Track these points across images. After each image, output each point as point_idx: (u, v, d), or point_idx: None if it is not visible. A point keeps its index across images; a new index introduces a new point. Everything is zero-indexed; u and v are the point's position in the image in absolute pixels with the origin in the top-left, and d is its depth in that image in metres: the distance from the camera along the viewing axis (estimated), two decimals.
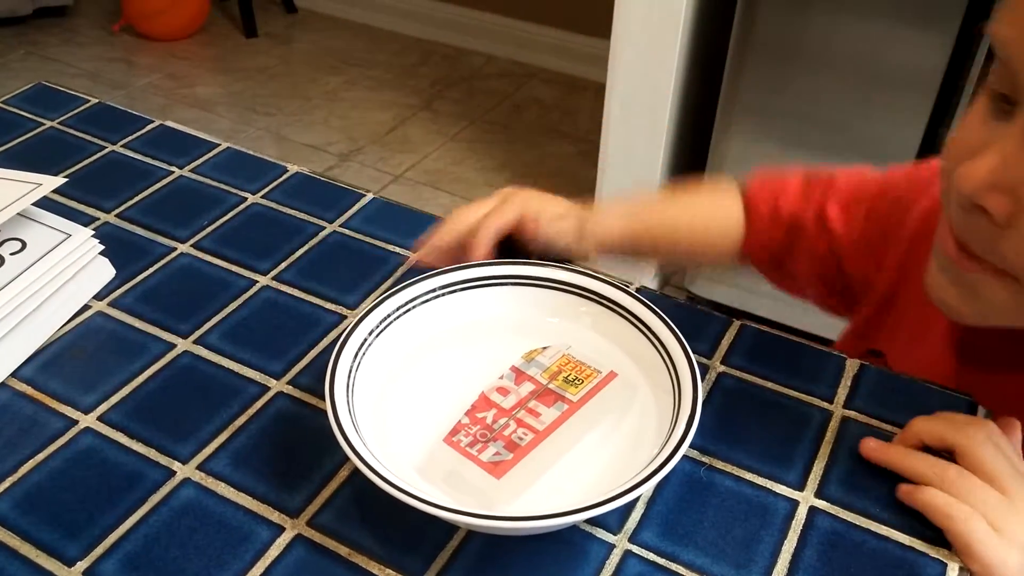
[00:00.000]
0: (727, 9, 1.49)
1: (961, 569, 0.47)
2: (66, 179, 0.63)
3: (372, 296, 0.63)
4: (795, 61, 1.44)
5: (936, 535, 0.48)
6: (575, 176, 2.16)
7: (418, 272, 0.58)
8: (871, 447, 0.52)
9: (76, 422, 0.53)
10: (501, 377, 0.54)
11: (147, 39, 2.69)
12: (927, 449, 0.51)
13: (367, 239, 0.68)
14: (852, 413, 0.55)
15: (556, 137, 2.33)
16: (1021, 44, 0.42)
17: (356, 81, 2.55)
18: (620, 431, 0.52)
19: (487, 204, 0.63)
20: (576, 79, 2.55)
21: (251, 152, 0.77)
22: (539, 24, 2.59)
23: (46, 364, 0.57)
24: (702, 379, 0.53)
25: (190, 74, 2.55)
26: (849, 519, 0.49)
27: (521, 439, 0.50)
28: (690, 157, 1.82)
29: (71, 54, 2.60)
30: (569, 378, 0.54)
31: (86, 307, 0.61)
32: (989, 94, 0.45)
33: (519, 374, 0.55)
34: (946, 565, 0.47)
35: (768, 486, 0.51)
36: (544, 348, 0.56)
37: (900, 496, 0.50)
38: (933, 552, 0.48)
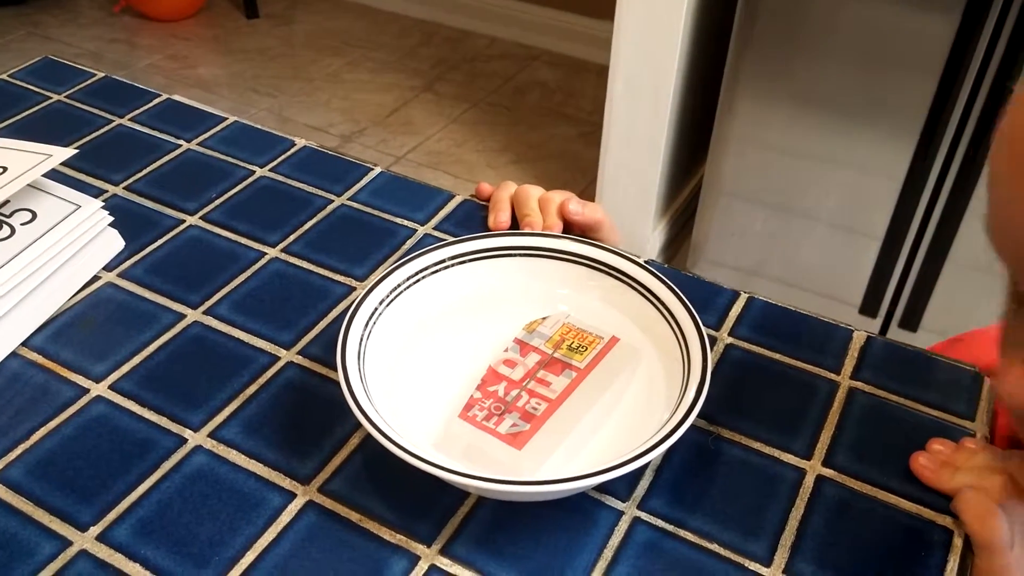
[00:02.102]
0: None
1: (967, 537, 0.47)
2: (76, 150, 0.63)
3: (381, 268, 0.63)
4: (799, 43, 1.44)
5: (942, 504, 0.49)
6: (577, 158, 2.16)
7: (428, 243, 0.58)
8: (921, 463, 0.51)
9: (87, 390, 0.54)
10: (506, 350, 0.55)
11: (148, 19, 2.68)
12: None
13: (375, 212, 0.68)
14: (859, 384, 0.56)
15: (559, 119, 2.33)
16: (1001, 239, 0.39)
17: (358, 62, 2.54)
18: (631, 395, 0.52)
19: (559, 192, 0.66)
20: (579, 61, 2.55)
21: (259, 126, 0.77)
22: (542, 6, 2.58)
23: (57, 333, 0.58)
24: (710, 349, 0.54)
25: (191, 55, 2.55)
26: (856, 487, 0.50)
27: (536, 409, 0.51)
28: (693, 139, 1.82)
29: (72, 35, 2.60)
30: (573, 346, 0.54)
31: (96, 278, 0.62)
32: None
33: (523, 345, 0.55)
34: (952, 532, 0.48)
35: (776, 455, 0.51)
36: (544, 318, 0.56)
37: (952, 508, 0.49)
38: (940, 520, 0.48)
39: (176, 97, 0.81)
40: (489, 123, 2.31)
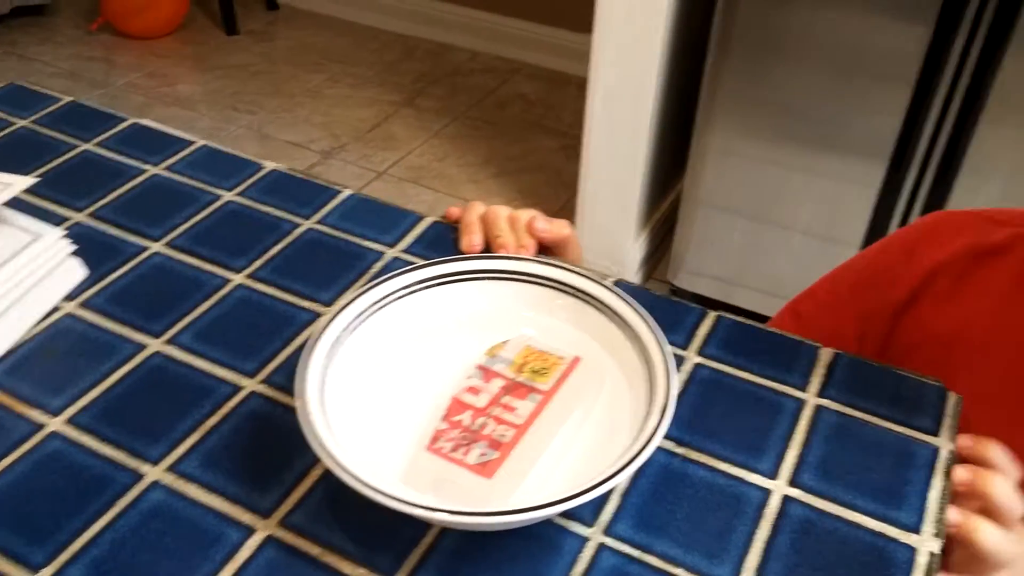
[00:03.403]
0: (708, 3, 1.49)
1: (931, 554, 0.47)
2: (38, 179, 0.63)
3: (348, 292, 0.63)
4: (776, 53, 1.45)
5: (907, 522, 0.48)
6: (559, 171, 2.16)
7: (396, 267, 0.57)
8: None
9: (44, 426, 0.53)
10: (469, 377, 0.54)
11: (126, 37, 2.67)
12: None
13: (343, 235, 0.68)
14: (825, 402, 0.55)
15: (539, 132, 2.33)
16: None
17: (338, 78, 2.54)
18: (598, 418, 0.52)
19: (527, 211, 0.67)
20: (559, 74, 2.55)
21: (228, 150, 0.77)
22: (522, 19, 2.58)
23: (14, 367, 0.57)
24: (677, 370, 0.53)
25: (170, 72, 2.54)
26: (821, 507, 0.49)
27: (503, 435, 0.50)
28: (673, 151, 1.82)
29: (50, 53, 2.59)
30: (536, 368, 0.54)
31: (56, 308, 0.61)
32: None
33: (486, 371, 0.54)
34: (915, 550, 0.47)
35: (742, 475, 0.51)
36: (505, 342, 0.56)
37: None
38: (904, 538, 0.48)
39: (143, 121, 0.80)
40: (470, 137, 2.31)
